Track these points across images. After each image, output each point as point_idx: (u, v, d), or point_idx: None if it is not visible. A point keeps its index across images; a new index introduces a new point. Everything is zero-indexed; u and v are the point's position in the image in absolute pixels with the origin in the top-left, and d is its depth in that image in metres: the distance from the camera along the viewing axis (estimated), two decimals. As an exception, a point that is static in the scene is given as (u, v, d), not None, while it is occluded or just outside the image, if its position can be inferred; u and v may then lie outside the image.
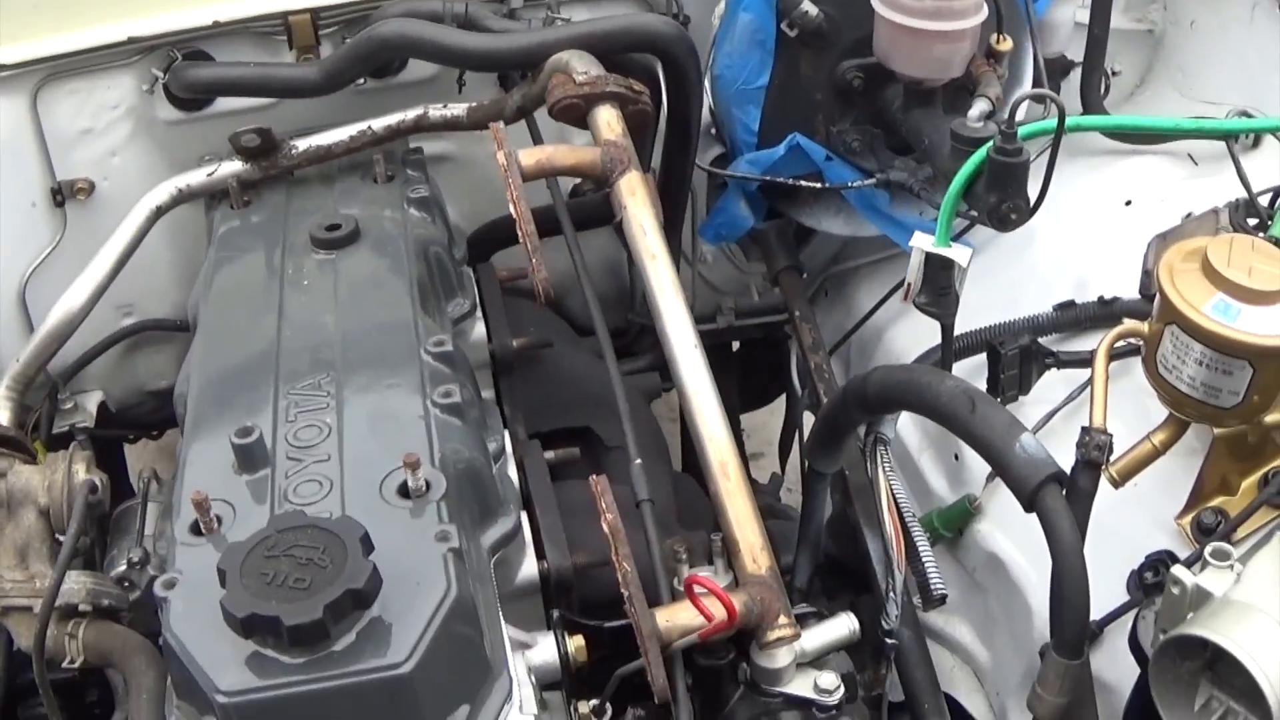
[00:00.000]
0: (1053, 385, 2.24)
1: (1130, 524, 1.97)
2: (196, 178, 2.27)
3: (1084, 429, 1.82)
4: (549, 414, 2.30)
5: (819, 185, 2.49)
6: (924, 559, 1.98)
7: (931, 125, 2.29)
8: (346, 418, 1.74)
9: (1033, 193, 2.01)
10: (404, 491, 1.60)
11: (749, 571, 1.72)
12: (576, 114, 2.02)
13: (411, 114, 2.27)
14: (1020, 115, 2.28)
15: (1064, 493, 1.70)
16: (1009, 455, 1.72)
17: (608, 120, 2.00)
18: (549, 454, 2.09)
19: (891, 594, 1.99)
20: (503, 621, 1.67)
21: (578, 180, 2.59)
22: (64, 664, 1.97)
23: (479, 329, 2.23)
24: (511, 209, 1.83)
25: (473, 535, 1.70)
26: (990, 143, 1.97)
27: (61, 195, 2.51)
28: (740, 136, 2.56)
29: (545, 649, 1.72)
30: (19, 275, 2.54)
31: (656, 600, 1.73)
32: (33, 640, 1.90)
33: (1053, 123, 1.96)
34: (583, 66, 2.04)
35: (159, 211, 2.26)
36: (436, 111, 2.27)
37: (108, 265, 2.22)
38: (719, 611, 1.65)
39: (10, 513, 2.10)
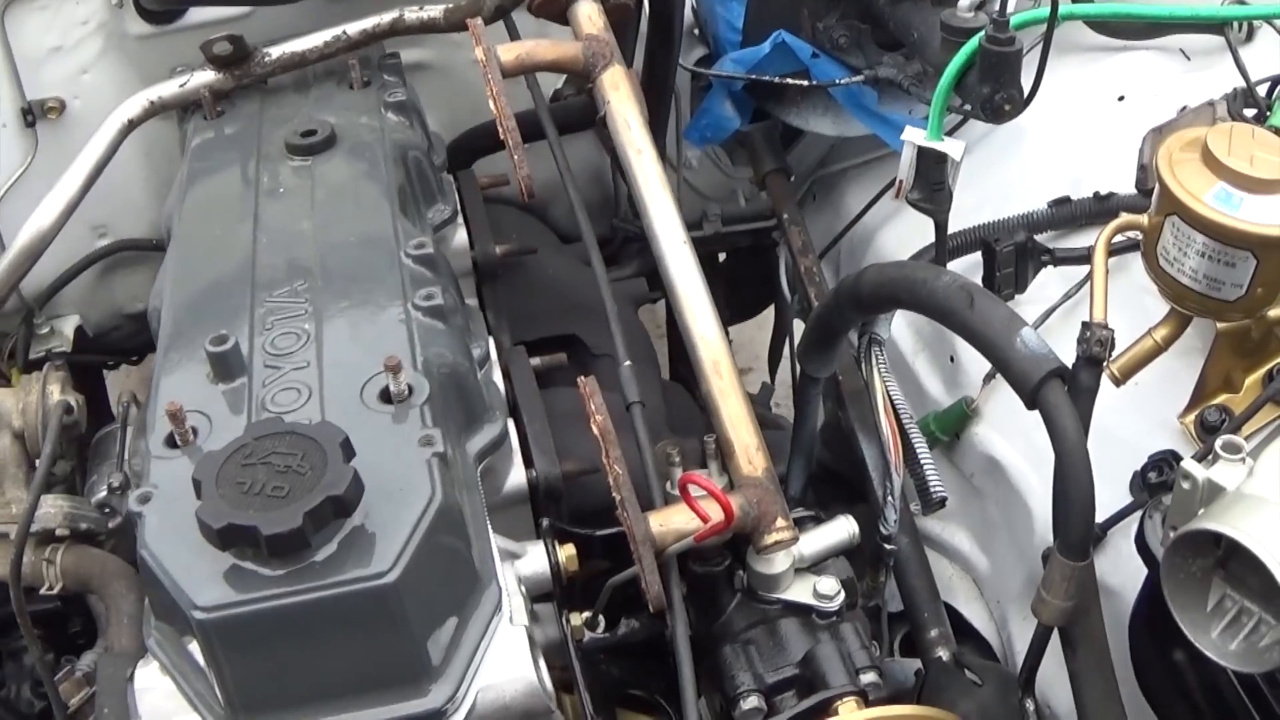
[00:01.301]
0: (1050, 284, 2.18)
1: (1132, 425, 1.92)
2: (169, 89, 2.20)
3: (1085, 324, 1.76)
4: (534, 322, 2.25)
5: (806, 84, 2.42)
6: (922, 461, 1.94)
7: (920, 18, 2.22)
8: (325, 324, 1.69)
9: (1026, 85, 1.94)
10: (386, 396, 1.55)
11: (744, 473, 1.68)
12: (556, 9, 1.96)
13: (387, 17, 2.20)
14: (1012, 5, 2.22)
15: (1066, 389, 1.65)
16: (1009, 351, 1.66)
17: (588, 14, 1.93)
18: (535, 360, 2.03)
19: (889, 499, 1.94)
20: (491, 531, 1.62)
21: (558, 85, 2.53)
22: (42, 591, 1.94)
23: (460, 235, 2.17)
24: (492, 105, 1.78)
25: (458, 442, 1.65)
26: (982, 33, 1.90)
27: (32, 115, 2.45)
28: (724, 35, 2.50)
29: (535, 559, 1.68)
30: None
31: (650, 505, 1.68)
32: (8, 567, 1.85)
33: (1045, 12, 1.90)
34: (561, -40, 1.97)
35: (131, 125, 2.20)
36: (412, 14, 2.20)
37: (78, 182, 2.16)
38: (715, 513, 1.60)
39: None
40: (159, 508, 1.46)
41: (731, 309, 3.20)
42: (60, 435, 2.01)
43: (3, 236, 2.48)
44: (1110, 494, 1.85)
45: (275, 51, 2.19)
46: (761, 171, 2.67)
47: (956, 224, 2.20)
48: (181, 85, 2.19)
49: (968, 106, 1.97)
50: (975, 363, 2.18)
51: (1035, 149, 2.43)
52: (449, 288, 1.80)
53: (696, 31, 2.60)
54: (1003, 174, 2.42)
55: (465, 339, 1.77)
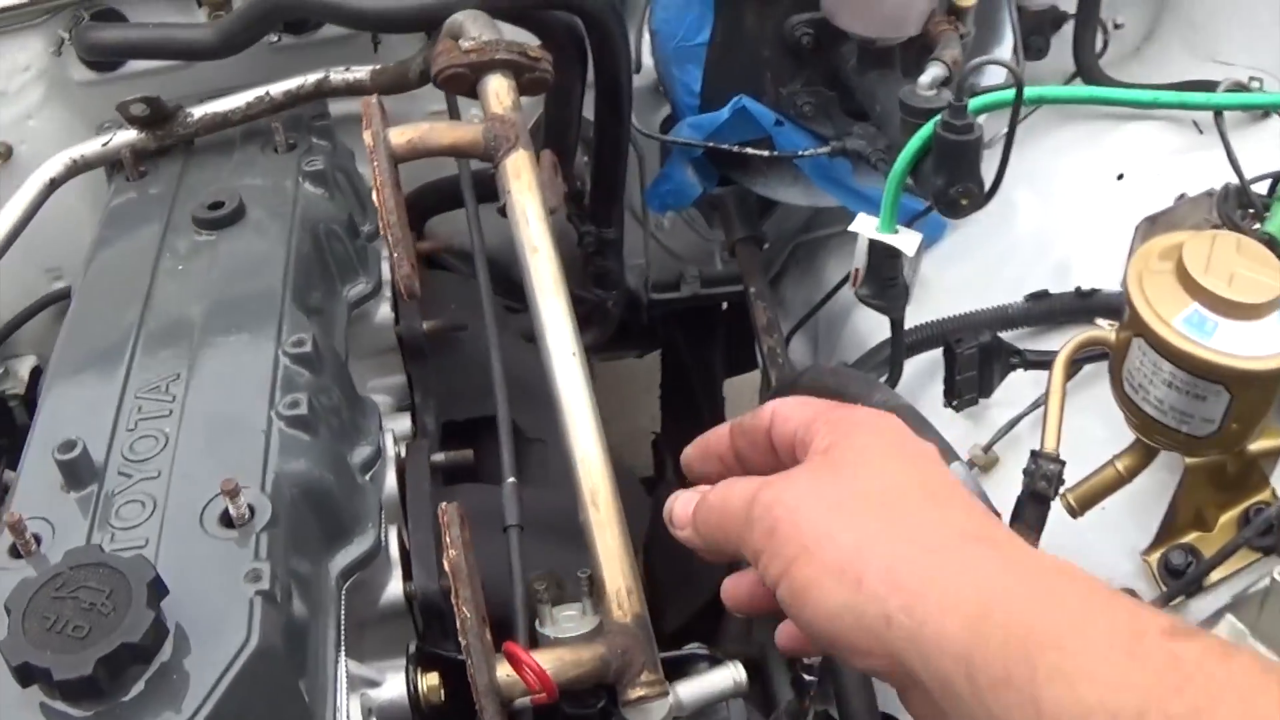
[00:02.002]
0: (1022, 384, 2.02)
1: (1093, 551, 1.76)
2: (91, 148, 2.11)
3: (1033, 454, 1.63)
4: (465, 402, 2.12)
5: (767, 154, 2.28)
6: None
7: (885, 90, 2.06)
8: (184, 428, 1.58)
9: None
10: (227, 519, 1.44)
11: (614, 617, 1.54)
12: (464, 85, 1.82)
13: (312, 78, 2.09)
14: (992, 80, 2.08)
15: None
16: None
17: (496, 91, 1.80)
18: (440, 456, 1.91)
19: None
20: (343, 659, 1.52)
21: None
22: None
23: (384, 311, 2.07)
24: (375, 196, 1.66)
25: (318, 559, 1.55)
26: (939, 116, 1.76)
27: None
28: (681, 98, 2.36)
29: (393, 686, 1.57)
30: None
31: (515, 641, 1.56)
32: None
33: (1009, 94, 1.74)
34: (475, 30, 1.83)
35: (53, 184, 2.10)
36: (338, 75, 2.09)
37: None
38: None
39: None
40: None
41: (730, 362, 3.09)
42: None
43: None
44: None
45: (198, 112, 2.08)
46: (731, 239, 2.55)
47: (934, 304, 2.06)
48: (104, 144, 2.09)
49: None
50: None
51: (1025, 229, 2.29)
52: (332, 386, 1.69)
53: (661, 88, 2.47)
54: (988, 253, 2.27)
55: (342, 445, 1.66)
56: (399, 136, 1.71)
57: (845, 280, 2.41)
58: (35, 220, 2.13)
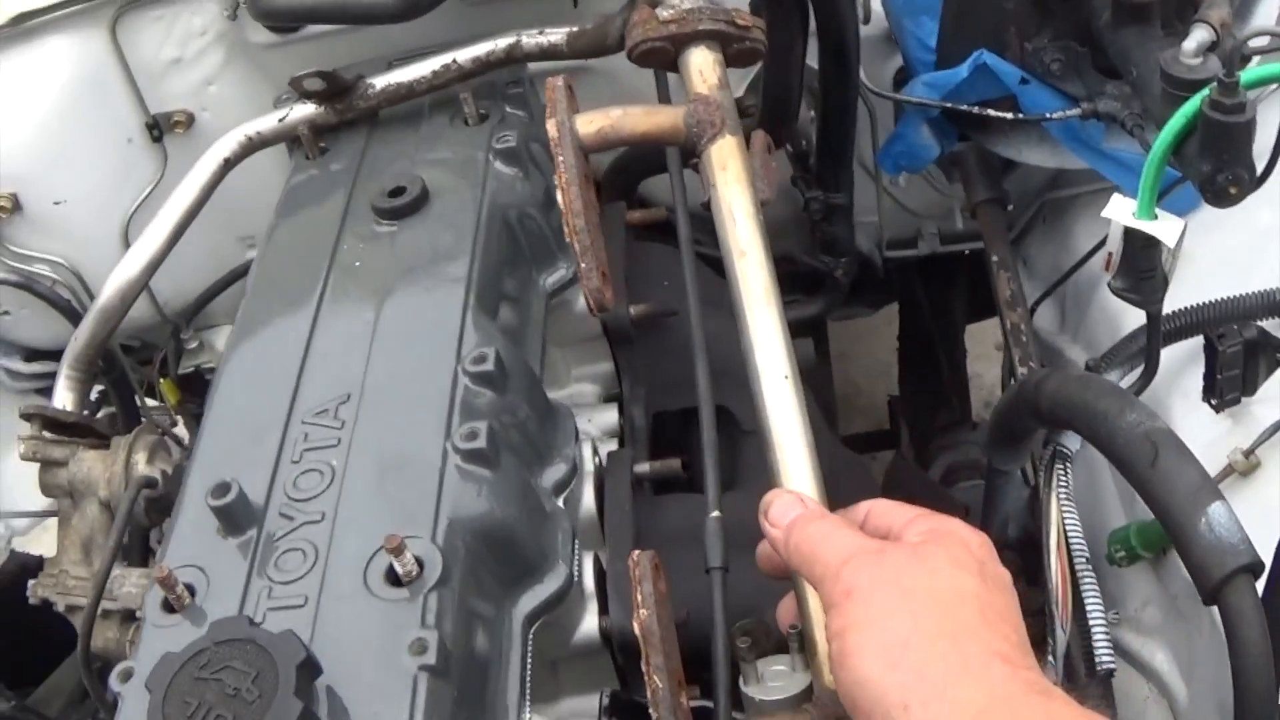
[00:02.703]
0: (1293, 380, 1.78)
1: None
2: (267, 124, 1.97)
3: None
4: (677, 390, 1.93)
5: (1011, 116, 2.03)
6: (1091, 620, 1.60)
7: (1142, 50, 1.78)
8: (352, 462, 1.44)
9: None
10: (393, 575, 1.30)
11: (824, 683, 1.36)
12: (664, 60, 1.61)
13: (503, 43, 1.90)
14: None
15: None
16: (1190, 531, 1.35)
17: (700, 68, 1.58)
18: (644, 467, 1.74)
19: (1050, 660, 1.61)
20: (527, 714, 1.38)
21: (738, 95, 2.22)
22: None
23: None
24: (559, 197, 1.47)
25: (500, 605, 1.41)
26: (1205, 92, 1.49)
27: (159, 129, 2.34)
28: (915, 53, 2.13)
29: (585, 743, 1.42)
30: (122, 215, 2.38)
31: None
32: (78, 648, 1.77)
33: (1280, 68, 1.49)
34: (676, -9, 1.62)
35: (228, 164, 1.98)
36: (531, 39, 1.90)
37: (167, 229, 1.97)
38: None
39: (75, 504, 1.95)
40: (138, 692, 1.25)
41: (972, 308, 2.88)
42: (132, 509, 1.84)
43: None
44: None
45: (380, 83, 1.93)
46: (973, 200, 2.30)
47: (1190, 286, 1.81)
48: (280, 120, 1.95)
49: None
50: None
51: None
52: (515, 404, 1.53)
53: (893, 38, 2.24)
54: (1256, 222, 1.98)
55: (524, 473, 1.49)
56: (587, 125, 1.52)
57: (1097, 248, 2.17)
58: (227, 189, 2.03)
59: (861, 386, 4.05)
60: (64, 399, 2.05)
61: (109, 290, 1.98)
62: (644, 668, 1.29)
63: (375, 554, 1.33)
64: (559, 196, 1.47)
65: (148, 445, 1.94)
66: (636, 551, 1.33)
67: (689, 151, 1.55)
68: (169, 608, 1.35)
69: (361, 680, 1.22)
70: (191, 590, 1.36)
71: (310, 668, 1.19)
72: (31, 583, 1.97)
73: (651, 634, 1.28)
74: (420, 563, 1.30)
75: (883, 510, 1.28)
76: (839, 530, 1.24)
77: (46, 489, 1.98)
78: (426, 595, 1.29)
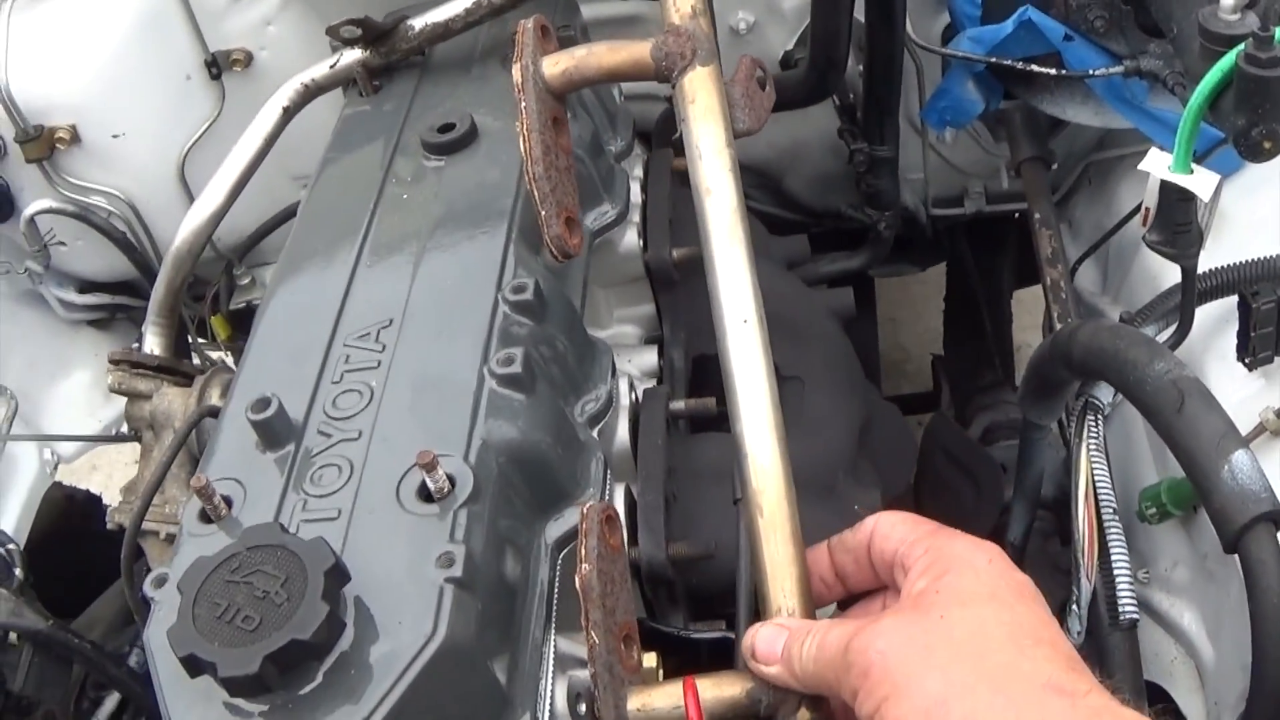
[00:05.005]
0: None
1: None
2: (321, 70, 2.01)
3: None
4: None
5: (1054, 72, 2.04)
6: (1116, 570, 1.62)
7: (1184, 7, 1.80)
8: (390, 383, 1.47)
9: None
10: (425, 491, 1.33)
11: None
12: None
13: (532, -26, 1.92)
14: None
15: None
16: (1213, 478, 1.38)
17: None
18: (679, 404, 1.75)
19: (1074, 608, 1.63)
20: (551, 638, 1.41)
21: (788, 47, 2.23)
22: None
23: (629, 237, 1.91)
24: (521, 144, 1.48)
25: (530, 529, 1.44)
26: (1240, 47, 1.51)
27: (217, 67, 2.39)
28: (961, 8, 2.14)
29: (607, 670, 1.44)
30: (179, 150, 2.43)
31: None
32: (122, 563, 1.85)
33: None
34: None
35: (287, 112, 2.03)
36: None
37: (232, 178, 2.03)
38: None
39: (156, 435, 2.04)
40: (171, 596, 1.27)
41: (1020, 273, 2.89)
42: (189, 433, 1.90)
43: (191, 190, 2.44)
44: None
45: (418, 23, 1.94)
46: (1018, 158, 2.31)
47: (1226, 244, 1.83)
48: (332, 66, 1.99)
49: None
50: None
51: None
52: (553, 335, 1.55)
53: (941, -9, 2.26)
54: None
55: (559, 402, 1.52)
56: (552, 67, 1.52)
57: (1137, 209, 2.18)
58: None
59: (911, 352, 4.07)
60: (152, 344, 2.13)
61: (180, 237, 2.04)
62: (583, 622, 1.27)
63: (409, 470, 1.35)
64: (520, 143, 1.49)
65: (222, 381, 2.01)
66: (588, 504, 1.33)
67: (663, 80, 1.52)
68: (205, 518, 1.38)
69: (389, 590, 1.24)
70: (229, 502, 1.38)
71: (339, 574, 1.21)
72: (110, 509, 2.05)
73: (591, 589, 1.27)
74: (452, 480, 1.33)
75: (886, 530, 1.24)
76: (828, 627, 1.20)
77: (131, 420, 2.08)
78: (456, 511, 1.31)
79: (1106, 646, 1.74)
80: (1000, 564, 1.16)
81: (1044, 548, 2.09)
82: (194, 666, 1.18)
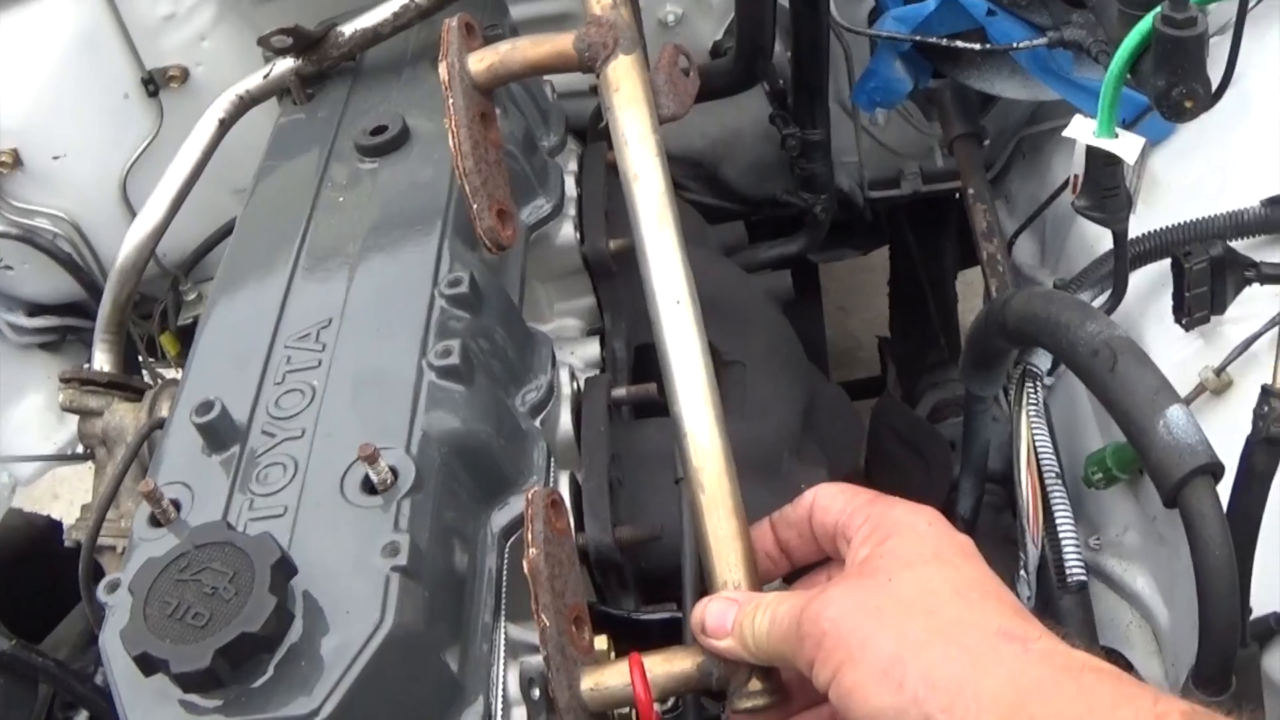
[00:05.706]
0: (1261, 301, 1.79)
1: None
2: (254, 81, 2.03)
3: (1264, 391, 1.44)
4: None
5: (978, 47, 2.07)
6: (1061, 534, 1.64)
7: (1100, -24, 1.84)
8: (331, 381, 1.48)
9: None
10: (369, 484, 1.35)
11: None
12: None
13: (453, -23, 1.94)
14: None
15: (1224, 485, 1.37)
16: (1150, 434, 1.40)
17: None
18: (621, 391, 1.77)
19: (1023, 573, 1.65)
20: (502, 625, 1.42)
21: (717, 37, 2.26)
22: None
23: (565, 230, 1.94)
24: (450, 140, 1.50)
25: (475, 519, 1.46)
26: (1157, 10, 1.54)
27: (154, 85, 2.40)
28: (885, -14, 2.17)
29: (554, 655, 1.45)
30: (120, 169, 2.44)
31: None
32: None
33: (1235, -19, 1.53)
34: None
35: (224, 125, 2.04)
36: (472, -31, 1.94)
37: (172, 193, 2.04)
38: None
39: (110, 451, 2.04)
40: (124, 600, 1.28)
41: (964, 255, 2.92)
42: (140, 446, 1.91)
43: (134, 208, 2.44)
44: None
45: (348, 30, 1.96)
46: (950, 135, 2.35)
47: (1162, 208, 1.86)
48: (266, 76, 2.00)
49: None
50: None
51: (1263, 124, 2.02)
52: (491, 327, 1.57)
53: (867, -26, 2.29)
54: (1225, 148, 2.02)
55: (499, 393, 1.54)
56: (478, 63, 1.54)
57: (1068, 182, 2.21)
58: (220, 143, 2.07)
59: (862, 340, 4.10)
60: (101, 361, 2.13)
61: (123, 253, 2.04)
62: (532, 605, 1.28)
63: (352, 465, 1.37)
64: (449, 139, 1.51)
65: (172, 394, 2.00)
66: (534, 489, 1.34)
67: (588, 70, 1.54)
68: (155, 522, 1.39)
69: (336, 582, 1.26)
70: (177, 505, 1.40)
71: (285, 567, 1.22)
72: (67, 525, 2.07)
73: (539, 573, 1.28)
74: (394, 471, 1.34)
75: (826, 502, 1.26)
76: (778, 600, 1.20)
77: (84, 437, 2.08)
78: (400, 502, 1.33)
79: (1059, 611, 1.77)
80: (940, 526, 1.17)
81: (996, 522, 2.11)
82: (147, 665, 1.20)
